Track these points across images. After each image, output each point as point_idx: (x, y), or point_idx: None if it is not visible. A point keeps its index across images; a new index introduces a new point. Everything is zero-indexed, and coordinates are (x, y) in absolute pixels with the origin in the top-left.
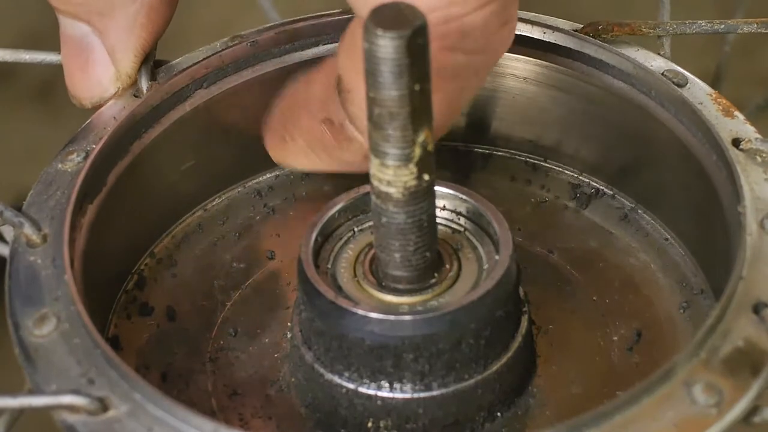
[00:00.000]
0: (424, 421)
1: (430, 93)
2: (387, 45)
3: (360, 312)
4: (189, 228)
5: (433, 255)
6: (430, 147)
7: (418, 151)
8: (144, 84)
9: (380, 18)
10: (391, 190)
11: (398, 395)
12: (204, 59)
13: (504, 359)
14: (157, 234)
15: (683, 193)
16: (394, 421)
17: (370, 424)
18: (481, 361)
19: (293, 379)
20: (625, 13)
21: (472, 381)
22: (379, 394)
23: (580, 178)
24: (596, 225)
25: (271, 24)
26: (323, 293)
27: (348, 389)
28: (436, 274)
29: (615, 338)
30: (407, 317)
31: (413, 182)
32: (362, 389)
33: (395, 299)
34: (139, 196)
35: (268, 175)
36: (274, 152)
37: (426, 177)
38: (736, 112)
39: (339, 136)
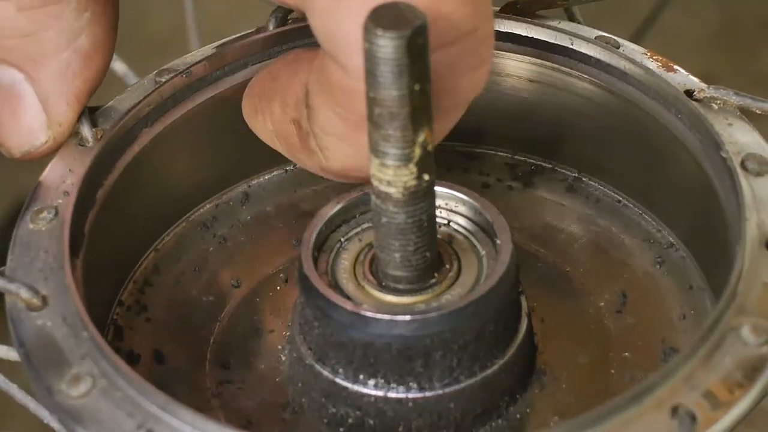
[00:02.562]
0: (455, 414)
1: (430, 93)
2: (387, 45)
3: (386, 317)
4: (147, 271)
5: (433, 255)
6: (430, 147)
7: (418, 151)
8: (87, 132)
9: (380, 18)
10: (391, 190)
11: (429, 393)
12: (144, 98)
13: (518, 342)
14: (120, 282)
15: (629, 155)
16: (426, 420)
17: (401, 428)
18: (501, 345)
19: (304, 400)
20: (625, 10)
21: (495, 367)
22: (410, 396)
23: (516, 157)
24: (546, 199)
25: (197, 50)
26: (341, 305)
27: (376, 397)
28: (436, 274)
29: (602, 304)
30: (433, 314)
31: (413, 182)
32: (392, 394)
33: (395, 299)
34: (104, 245)
35: (207, 206)
36: (248, 118)
37: (426, 177)
38: (676, 66)
39: (303, 142)
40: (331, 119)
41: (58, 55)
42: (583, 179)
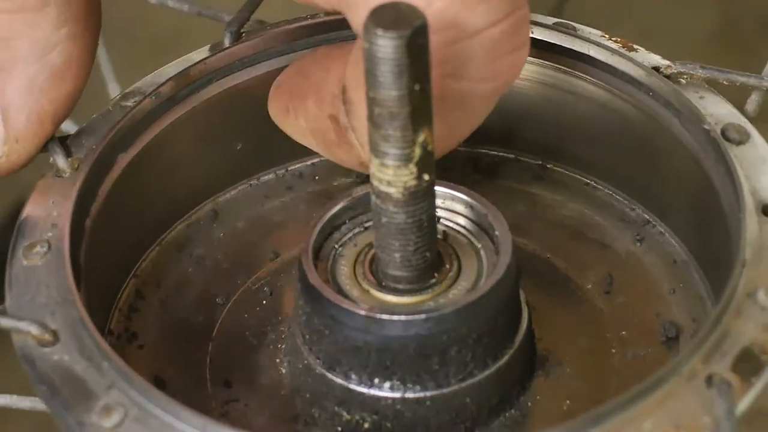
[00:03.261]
0: (472, 408)
1: (431, 93)
2: (387, 45)
3: (402, 318)
4: (130, 298)
5: (433, 255)
6: (430, 147)
7: (418, 151)
8: (63, 162)
9: (380, 18)
10: (391, 190)
11: (446, 390)
12: (118, 122)
13: (523, 330)
14: (106, 311)
15: (595, 138)
16: (444, 417)
17: (419, 429)
18: (509, 335)
19: (315, 410)
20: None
21: (506, 357)
22: (427, 394)
23: (476, 150)
24: (514, 189)
25: (161, 69)
26: (355, 311)
27: (394, 399)
28: (436, 274)
29: (589, 286)
30: (448, 310)
31: (413, 182)
32: (409, 395)
33: (395, 299)
34: (94, 275)
35: (179, 227)
36: (276, 118)
37: (426, 177)
38: (636, 46)
39: (341, 138)
40: None
41: (27, 66)
42: (548, 166)
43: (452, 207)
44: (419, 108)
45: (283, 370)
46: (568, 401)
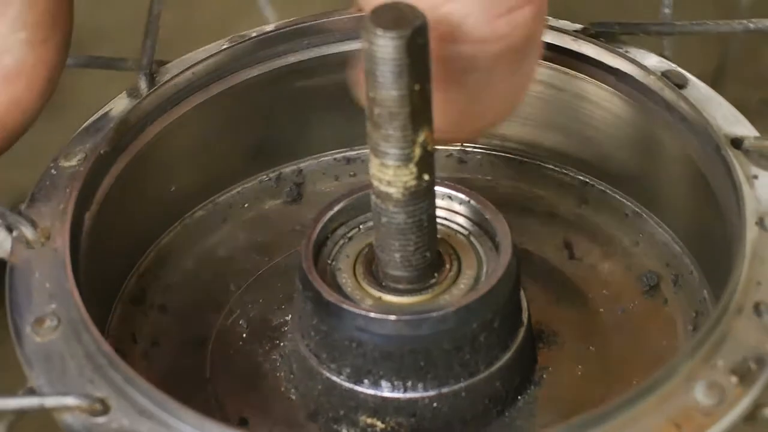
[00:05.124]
0: (501, 392)
1: (431, 93)
2: (387, 45)
3: (433, 315)
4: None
5: (433, 255)
6: (430, 147)
7: (418, 151)
8: (31, 235)
9: (380, 18)
10: (391, 190)
11: (477, 378)
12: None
13: (527, 309)
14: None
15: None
16: (479, 406)
17: (456, 422)
18: (520, 315)
19: (343, 426)
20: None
21: (520, 338)
22: (462, 384)
23: None
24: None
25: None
26: (387, 319)
27: (430, 397)
28: (436, 274)
29: (552, 256)
30: (473, 300)
31: (413, 182)
32: (445, 389)
33: (395, 299)
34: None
35: (132, 280)
36: (355, 88)
37: (426, 177)
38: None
39: None
40: None
41: None
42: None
43: (452, 207)
44: (419, 108)
45: (293, 397)
46: (579, 366)
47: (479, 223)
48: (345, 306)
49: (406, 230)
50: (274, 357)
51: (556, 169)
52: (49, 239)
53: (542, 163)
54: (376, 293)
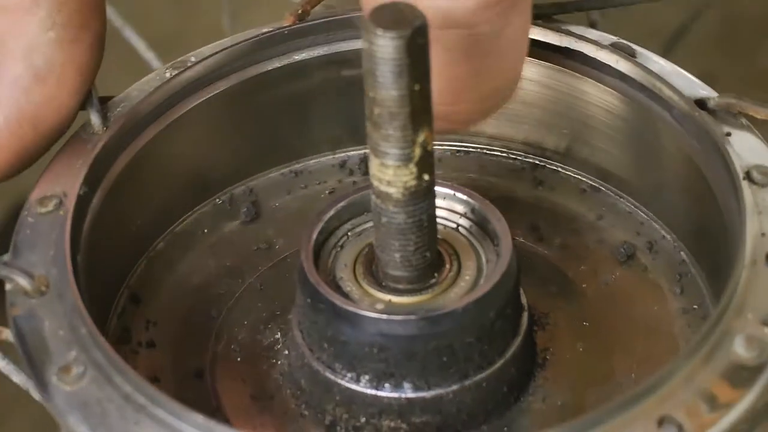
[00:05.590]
0: (516, 379)
1: (431, 93)
2: (387, 45)
3: (446, 310)
4: None
5: (433, 255)
6: (430, 147)
7: (418, 151)
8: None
9: (380, 18)
10: (391, 190)
11: (493, 368)
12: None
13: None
14: None
15: None
16: (497, 395)
17: (479, 414)
18: (521, 306)
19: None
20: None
21: (525, 325)
22: (483, 375)
23: None
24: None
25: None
26: (408, 319)
27: (454, 392)
28: (436, 274)
29: (522, 239)
30: (483, 293)
31: (413, 182)
32: (468, 381)
33: (405, 300)
34: None
35: (114, 323)
36: None
37: (426, 177)
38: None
39: None
40: None
41: (15, 64)
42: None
43: (452, 207)
44: (419, 108)
45: (306, 412)
46: (578, 343)
47: (480, 223)
48: (365, 313)
49: (406, 230)
50: (275, 377)
51: (503, 153)
52: (49, 287)
53: (487, 151)
54: (385, 296)
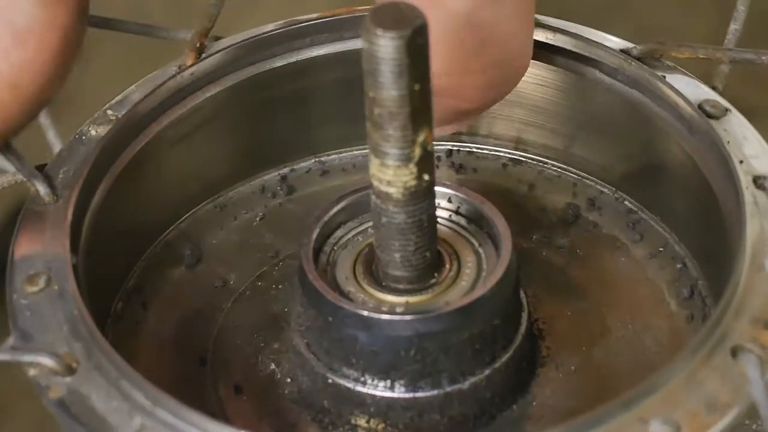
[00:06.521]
0: (525, 371)
1: (431, 93)
2: (387, 45)
3: (456, 306)
4: None
5: (433, 255)
6: (430, 147)
7: (418, 151)
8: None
9: (380, 18)
10: (391, 190)
11: (501, 362)
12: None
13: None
14: None
15: None
16: (508, 386)
17: (496, 399)
18: (520, 302)
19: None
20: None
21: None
22: (495, 367)
23: None
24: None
25: None
26: (401, 319)
27: (478, 382)
28: (436, 274)
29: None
30: (488, 292)
31: (413, 182)
32: (493, 369)
33: (396, 299)
34: None
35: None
36: None
37: (426, 177)
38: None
39: None
40: None
41: None
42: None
43: (452, 207)
44: (419, 108)
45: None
46: (564, 308)
47: (479, 223)
48: (378, 317)
49: (406, 230)
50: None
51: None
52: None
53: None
54: (391, 297)
